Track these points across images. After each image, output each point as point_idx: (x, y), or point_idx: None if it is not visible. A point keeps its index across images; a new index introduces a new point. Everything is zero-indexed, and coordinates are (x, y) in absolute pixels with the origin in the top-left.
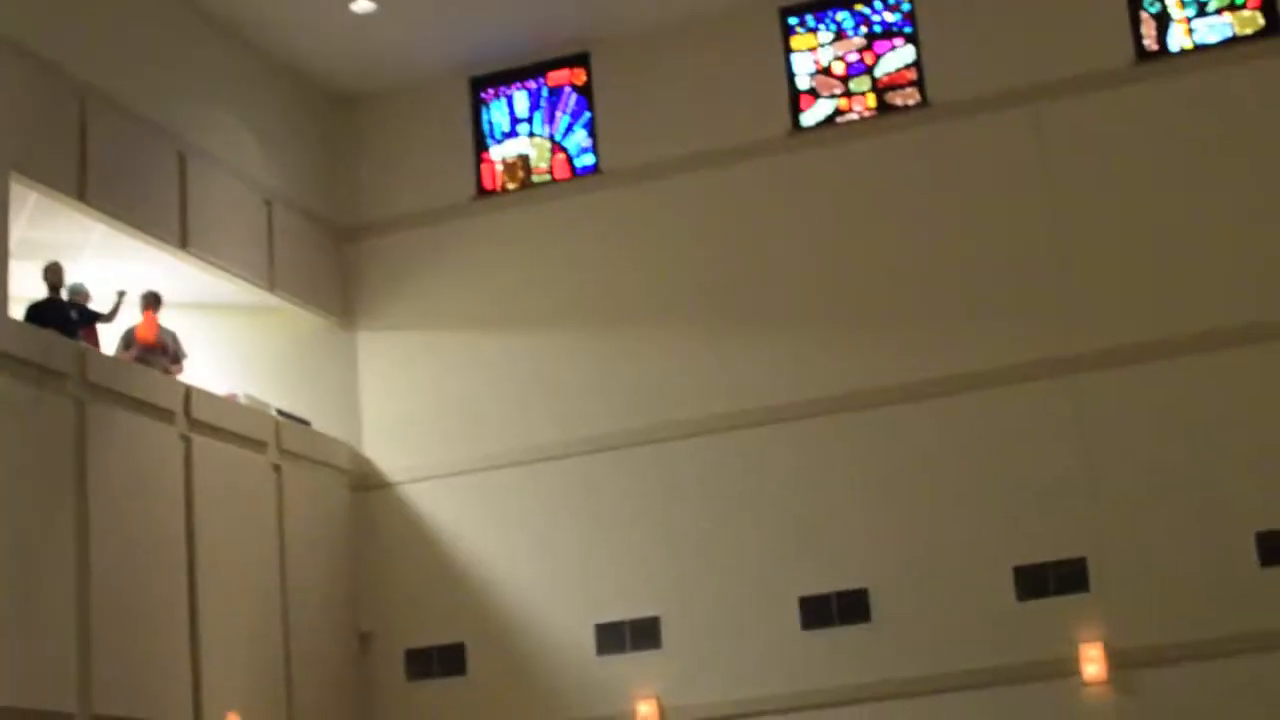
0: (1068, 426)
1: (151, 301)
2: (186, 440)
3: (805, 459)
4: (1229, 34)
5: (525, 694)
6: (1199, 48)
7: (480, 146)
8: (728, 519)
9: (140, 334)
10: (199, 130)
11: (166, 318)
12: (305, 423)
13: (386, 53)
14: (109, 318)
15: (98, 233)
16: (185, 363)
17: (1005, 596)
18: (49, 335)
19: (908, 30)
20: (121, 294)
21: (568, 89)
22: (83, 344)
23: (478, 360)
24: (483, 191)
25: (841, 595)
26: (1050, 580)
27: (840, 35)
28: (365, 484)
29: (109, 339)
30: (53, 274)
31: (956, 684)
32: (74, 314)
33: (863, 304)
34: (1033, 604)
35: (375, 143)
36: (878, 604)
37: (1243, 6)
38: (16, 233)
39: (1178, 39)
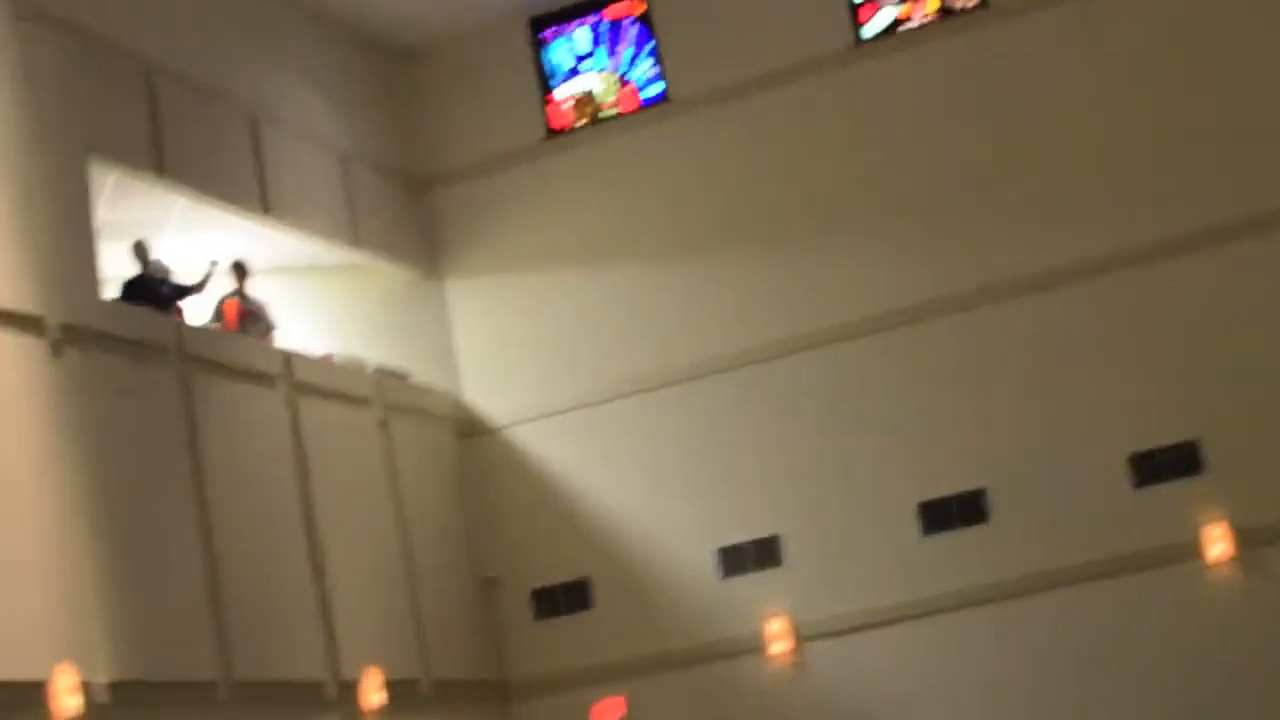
0: (1174, 311)
1: (240, 271)
2: (291, 404)
3: (909, 365)
4: None
5: (653, 622)
6: None
7: (545, 87)
8: (838, 432)
9: (228, 319)
10: (268, 96)
11: (254, 285)
12: (404, 376)
13: (444, 2)
14: (200, 288)
15: (178, 207)
16: (276, 332)
17: (1121, 485)
18: (146, 312)
19: None
20: (213, 264)
21: (628, 20)
22: (178, 319)
23: (567, 297)
24: (552, 131)
25: (959, 498)
26: (1165, 465)
27: None
28: (471, 430)
29: (201, 312)
30: (141, 251)
31: (1079, 576)
32: (165, 289)
33: (944, 206)
34: (1149, 490)
35: (443, 92)
36: (995, 503)
37: None
38: (98, 215)
39: None
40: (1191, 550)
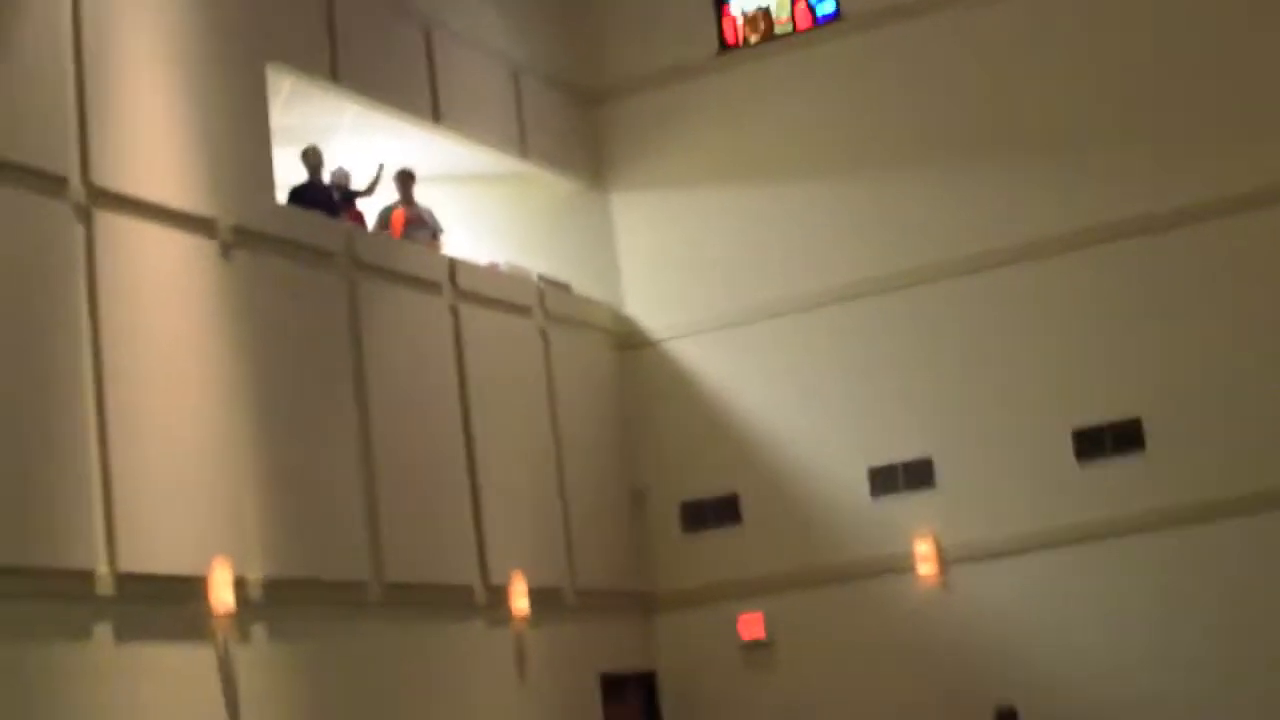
0: None
1: (406, 179)
2: (455, 311)
3: (1069, 291)
4: None
5: (801, 539)
6: None
7: (720, 1)
8: (994, 356)
9: (395, 231)
10: (442, 6)
11: (421, 192)
12: (566, 286)
13: None
14: (368, 192)
15: (350, 114)
16: (443, 237)
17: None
18: (316, 217)
19: None
20: (380, 167)
21: None
22: (349, 223)
23: (731, 214)
24: (725, 46)
25: (1114, 425)
26: None
27: None
28: (630, 343)
29: (370, 215)
30: (312, 156)
31: (1235, 509)
32: (336, 194)
33: (1114, 133)
34: None
35: (616, 6)
36: (1151, 433)
37: None
38: (272, 121)
39: None
40: None
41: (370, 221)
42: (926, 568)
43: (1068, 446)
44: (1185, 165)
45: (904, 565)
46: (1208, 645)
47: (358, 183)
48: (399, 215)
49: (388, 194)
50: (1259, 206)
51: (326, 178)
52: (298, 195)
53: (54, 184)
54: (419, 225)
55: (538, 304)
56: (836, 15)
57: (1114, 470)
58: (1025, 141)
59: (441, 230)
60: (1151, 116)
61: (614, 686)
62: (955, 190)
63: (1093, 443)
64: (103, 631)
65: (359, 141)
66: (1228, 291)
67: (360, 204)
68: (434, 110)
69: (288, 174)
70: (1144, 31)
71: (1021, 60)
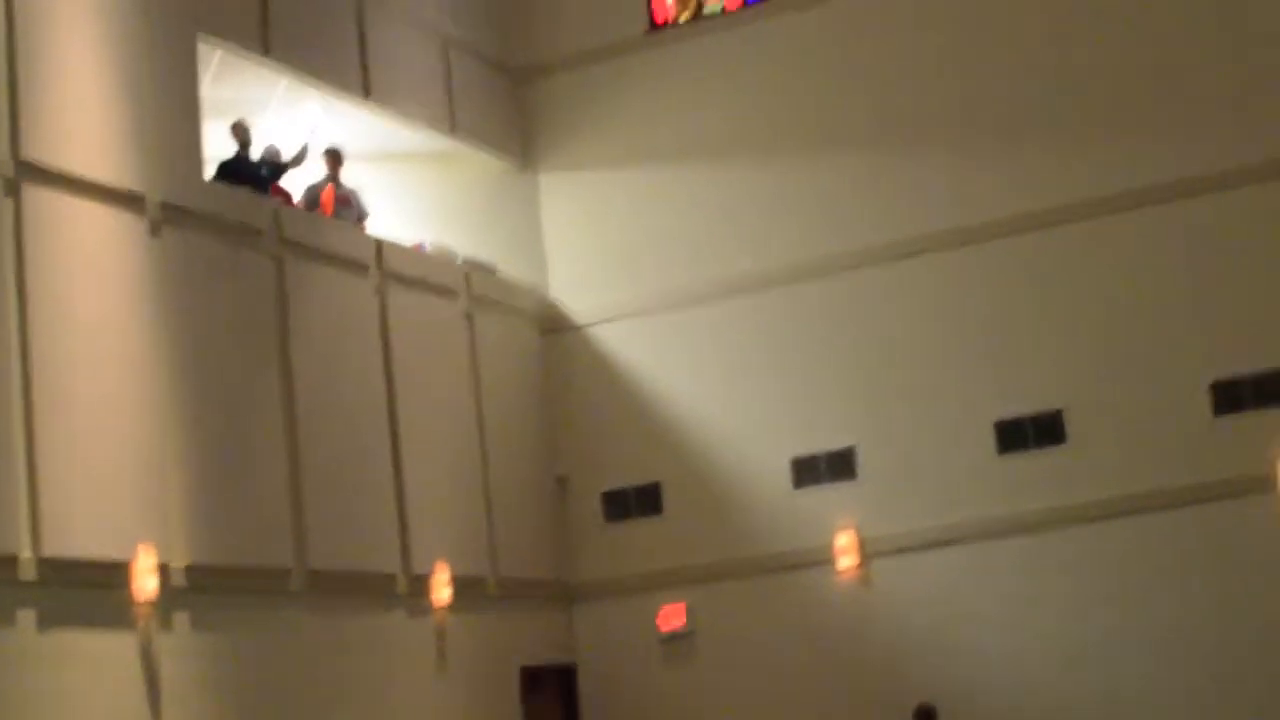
0: (1261, 236)
1: (334, 157)
2: (381, 292)
3: (992, 282)
4: None
5: (723, 530)
6: None
7: None
8: (918, 346)
9: (325, 210)
10: None
11: (349, 170)
12: (491, 268)
13: None
14: (296, 163)
15: (280, 87)
16: (368, 221)
17: (1202, 412)
18: (245, 194)
19: None
20: (309, 135)
21: None
22: (277, 201)
23: (659, 196)
24: (655, 25)
25: (1036, 418)
26: (1248, 394)
27: None
28: (554, 327)
29: (296, 193)
30: (240, 131)
31: (1154, 504)
32: (264, 170)
33: (1040, 119)
34: (1230, 419)
35: None
36: (1073, 425)
37: None
38: (202, 94)
39: None
40: (1270, 482)
41: (297, 198)
42: (847, 560)
43: (990, 438)
44: (1108, 157)
45: (825, 557)
46: (1127, 639)
47: (286, 155)
48: (329, 193)
49: (315, 171)
50: (1182, 198)
51: (256, 153)
52: (226, 169)
53: None
54: (345, 205)
55: (463, 287)
56: None
57: (1036, 462)
58: (953, 128)
59: (367, 214)
60: (1079, 107)
61: (534, 679)
62: (883, 176)
63: (1015, 435)
64: (25, 617)
65: (289, 116)
66: (1151, 283)
67: (286, 181)
68: (364, 86)
69: (217, 148)
70: (1077, 21)
71: (951, 44)
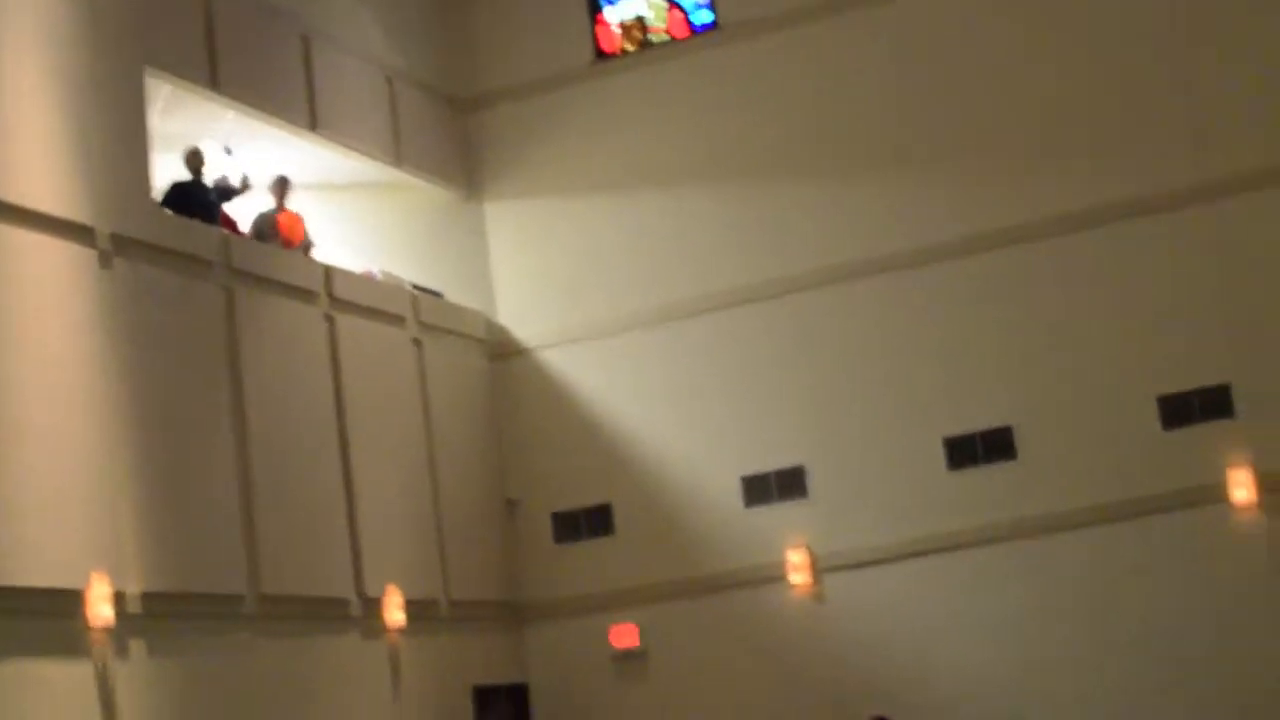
0: (1206, 254)
1: (283, 185)
2: (330, 319)
3: (940, 302)
4: None
5: (674, 549)
6: None
7: (595, 9)
8: (867, 365)
9: (285, 231)
10: (319, 13)
11: (296, 200)
12: (438, 295)
13: None
14: (243, 189)
15: (227, 120)
16: (314, 251)
17: (1150, 426)
18: (194, 225)
19: None
20: (245, 173)
21: None
22: (225, 232)
23: (605, 223)
24: (600, 54)
25: (985, 434)
26: (1195, 408)
27: None
28: (503, 352)
29: (242, 221)
30: (194, 159)
31: (1104, 516)
32: (213, 196)
33: (987, 145)
34: (1178, 432)
35: (491, 12)
36: (1022, 441)
37: None
38: (151, 125)
39: None
40: (1218, 493)
41: (245, 227)
42: (799, 577)
43: (940, 454)
44: (1057, 175)
45: (777, 574)
46: (1079, 652)
47: (232, 180)
48: (287, 216)
49: (263, 200)
50: (1130, 216)
51: (209, 182)
52: (177, 190)
53: None
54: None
55: (411, 313)
56: (714, 25)
57: (985, 478)
58: (899, 151)
59: (313, 245)
60: (1024, 127)
61: (486, 698)
62: (828, 199)
63: (964, 451)
64: None
65: (236, 148)
66: (1098, 301)
67: (233, 209)
68: (311, 118)
69: (165, 181)
70: (1020, 43)
71: (897, 70)
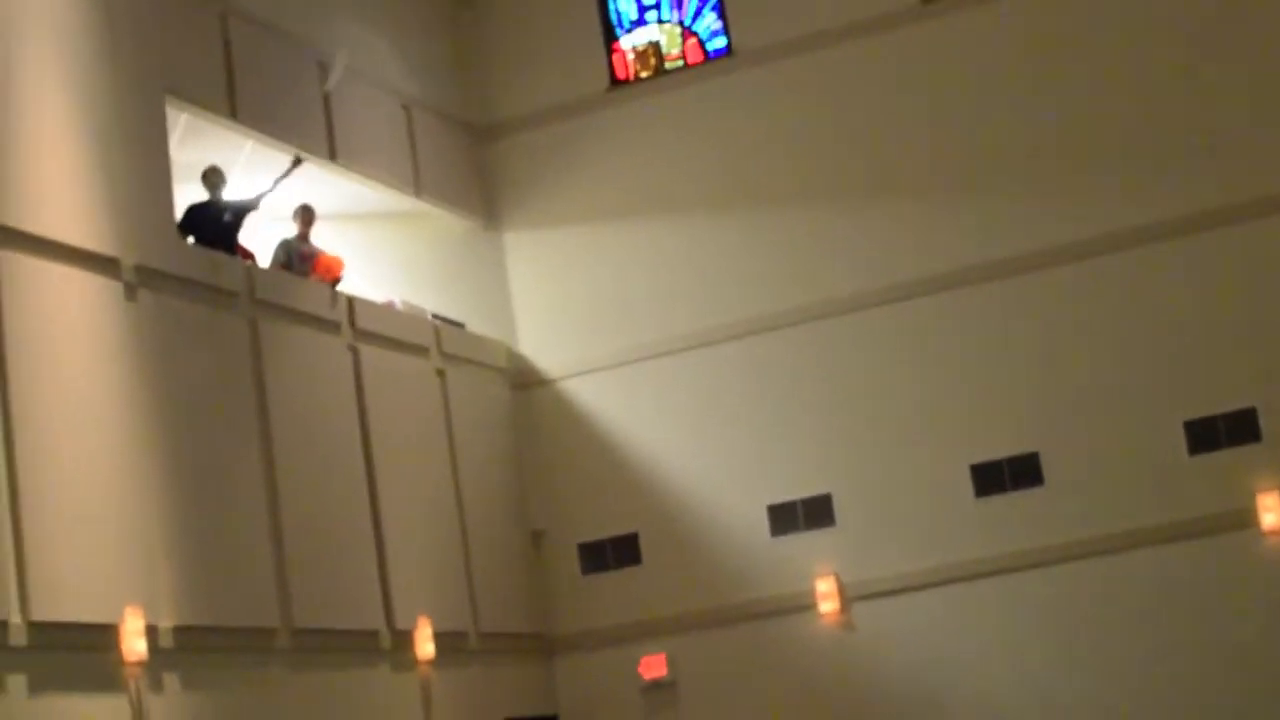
0: (1231, 277)
1: (307, 215)
2: (354, 350)
3: (964, 328)
4: None
5: (702, 579)
6: None
7: (610, 36)
8: (891, 392)
9: (323, 272)
10: (337, 40)
11: (316, 230)
12: (460, 325)
13: None
14: (255, 205)
15: (246, 150)
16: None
17: (1177, 451)
18: (216, 255)
19: None
20: (296, 161)
21: None
22: (248, 263)
23: (625, 251)
24: (616, 82)
25: (1013, 460)
26: (1221, 432)
27: None
28: (525, 382)
29: (259, 250)
30: (213, 175)
31: (1133, 542)
32: (227, 216)
33: (1008, 169)
34: (1205, 457)
35: (507, 40)
36: (1050, 467)
37: None
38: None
39: None
40: (1247, 518)
41: (260, 254)
42: (828, 605)
43: (967, 481)
44: (1078, 199)
45: (805, 603)
46: (1108, 678)
47: (247, 194)
48: (336, 264)
49: (285, 229)
50: (1155, 240)
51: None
52: (190, 213)
53: None
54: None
55: (434, 343)
56: (728, 51)
57: (1013, 505)
58: (920, 177)
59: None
60: (1045, 151)
61: None
62: (850, 225)
63: (991, 478)
64: (16, 683)
65: (255, 178)
66: (1123, 325)
67: (247, 239)
68: (330, 147)
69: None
70: (1039, 67)
71: (915, 96)
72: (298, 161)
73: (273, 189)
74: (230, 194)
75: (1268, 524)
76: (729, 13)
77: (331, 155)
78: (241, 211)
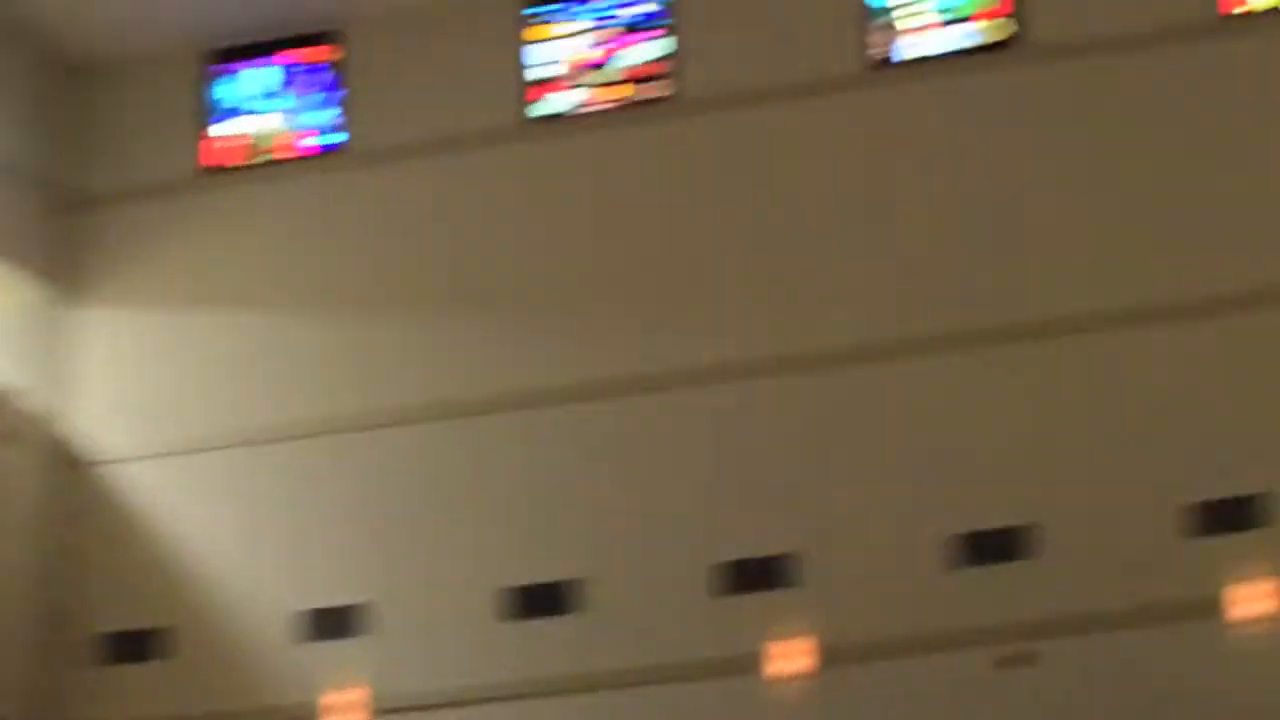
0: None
1: None
2: None
3: (528, 447)
4: None
5: (226, 679)
6: None
7: (209, 121)
8: (440, 506)
9: None
10: None
11: None
12: (15, 395)
13: (121, 20)
14: None
15: None
16: None
17: (701, 591)
18: None
19: (664, 22)
20: None
21: (301, 66)
22: None
23: (192, 340)
24: (210, 168)
25: (548, 585)
26: (750, 577)
27: (588, 27)
28: (68, 462)
29: None
30: None
31: (664, 675)
32: None
33: (613, 290)
34: (732, 600)
35: (105, 113)
36: (590, 593)
37: None
38: None
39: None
40: (752, 664)
41: None
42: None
43: (501, 603)
44: (691, 329)
45: (325, 715)
46: None
47: None
48: None
49: None
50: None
51: None
52: None
53: None
54: None
55: None
56: (336, 148)
57: (549, 629)
58: (501, 294)
59: None
60: (643, 279)
61: None
62: (423, 337)
63: (527, 601)
64: None
65: None
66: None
67: None
68: None
69: None
70: (658, 196)
71: (527, 211)
72: None
73: None
74: None
75: (788, 670)
76: (349, 108)
77: None
78: None
